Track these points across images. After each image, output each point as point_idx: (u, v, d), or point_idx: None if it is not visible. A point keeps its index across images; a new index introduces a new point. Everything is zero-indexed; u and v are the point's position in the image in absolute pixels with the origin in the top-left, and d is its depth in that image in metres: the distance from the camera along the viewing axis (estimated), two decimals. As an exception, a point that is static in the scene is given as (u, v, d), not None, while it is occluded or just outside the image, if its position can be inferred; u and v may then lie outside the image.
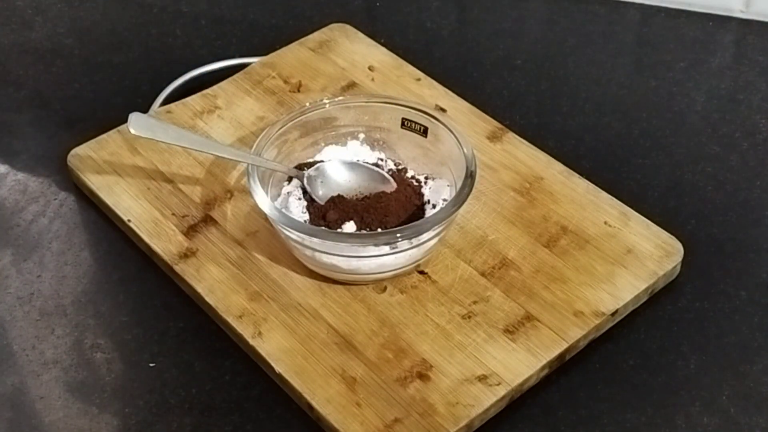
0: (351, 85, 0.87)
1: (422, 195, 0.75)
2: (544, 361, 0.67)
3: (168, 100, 0.88)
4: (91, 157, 0.82)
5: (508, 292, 0.71)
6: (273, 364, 0.67)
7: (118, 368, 0.70)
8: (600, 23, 0.98)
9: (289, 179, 0.77)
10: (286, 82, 0.88)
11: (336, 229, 0.72)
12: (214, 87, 0.88)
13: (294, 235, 0.69)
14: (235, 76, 0.89)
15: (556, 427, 0.66)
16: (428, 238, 0.70)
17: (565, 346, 0.68)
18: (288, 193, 0.76)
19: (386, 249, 0.69)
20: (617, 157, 0.84)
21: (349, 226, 0.72)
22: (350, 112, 0.78)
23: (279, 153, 0.76)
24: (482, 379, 0.66)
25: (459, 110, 0.85)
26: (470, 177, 0.71)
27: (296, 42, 0.92)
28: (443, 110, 0.84)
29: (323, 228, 0.71)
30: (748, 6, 0.96)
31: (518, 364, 0.67)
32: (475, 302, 0.70)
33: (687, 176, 0.82)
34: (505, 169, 0.80)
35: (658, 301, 0.73)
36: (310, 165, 0.77)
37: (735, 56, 0.95)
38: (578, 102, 0.89)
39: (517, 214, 0.76)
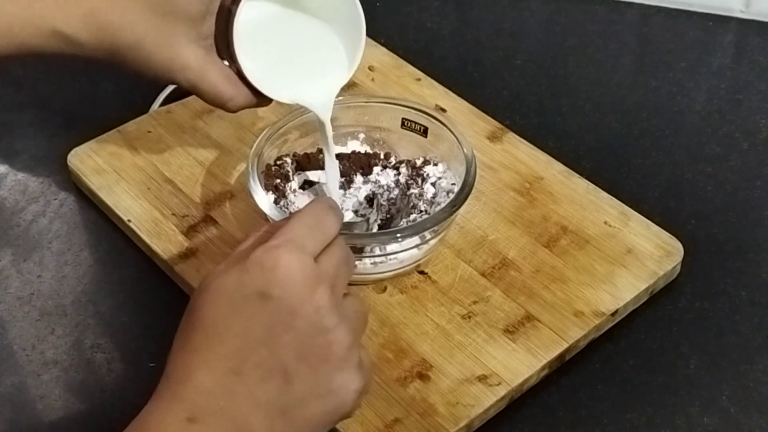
0: (351, 85, 0.87)
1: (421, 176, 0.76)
2: (544, 361, 0.67)
3: (168, 100, 0.88)
4: (91, 157, 0.82)
5: (508, 292, 0.71)
6: (273, 364, 0.67)
7: (118, 368, 0.70)
8: (600, 23, 0.98)
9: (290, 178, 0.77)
10: (286, 82, 0.88)
11: None
12: (214, 87, 0.88)
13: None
14: (235, 76, 0.89)
15: (556, 427, 0.66)
16: (428, 238, 0.70)
17: (565, 346, 0.68)
18: (294, 190, 0.76)
19: (386, 249, 0.69)
20: (617, 157, 0.84)
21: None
22: (350, 112, 0.78)
23: (279, 153, 0.76)
24: (482, 379, 0.66)
25: (459, 110, 0.85)
26: (470, 177, 0.71)
27: (296, 42, 0.92)
28: (443, 110, 0.84)
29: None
30: (748, 6, 0.96)
31: (518, 364, 0.67)
32: (475, 302, 0.70)
33: (687, 176, 0.82)
34: (505, 169, 0.80)
35: (658, 301, 0.73)
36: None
37: (735, 56, 0.95)
38: (578, 102, 0.89)
39: (517, 214, 0.76)
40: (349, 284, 0.71)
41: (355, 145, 0.79)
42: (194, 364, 0.54)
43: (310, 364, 0.54)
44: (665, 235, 0.75)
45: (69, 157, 0.82)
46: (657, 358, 0.70)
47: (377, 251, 0.69)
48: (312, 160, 0.77)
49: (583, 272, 0.72)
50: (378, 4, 1.00)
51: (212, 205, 0.78)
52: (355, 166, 0.77)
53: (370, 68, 0.89)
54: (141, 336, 0.72)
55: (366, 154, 0.78)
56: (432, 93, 0.86)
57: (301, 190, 0.76)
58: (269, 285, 0.54)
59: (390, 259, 0.70)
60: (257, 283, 0.54)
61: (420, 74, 0.88)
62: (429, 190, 0.75)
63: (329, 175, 0.73)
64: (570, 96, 0.90)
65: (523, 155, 0.81)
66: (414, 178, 0.76)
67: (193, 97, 0.87)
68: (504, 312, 0.70)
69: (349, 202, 0.75)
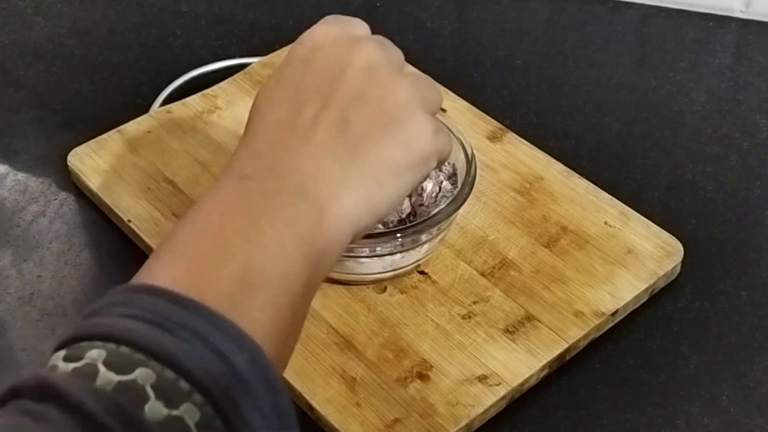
0: (351, 85, 0.87)
1: None
2: (544, 361, 0.67)
3: (168, 100, 0.88)
4: (91, 157, 0.82)
5: (508, 292, 0.71)
6: (273, 364, 0.67)
7: (118, 368, 0.70)
8: (600, 23, 0.98)
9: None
10: (286, 82, 0.88)
11: None
12: (214, 87, 0.88)
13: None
14: (235, 76, 0.89)
15: (556, 427, 0.66)
16: (428, 239, 0.70)
17: (565, 346, 0.68)
18: None
19: (386, 249, 0.69)
20: (617, 157, 0.84)
21: None
22: (350, 112, 0.78)
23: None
24: (482, 379, 0.66)
25: (459, 110, 0.85)
26: (470, 177, 0.71)
27: (296, 42, 0.92)
28: (443, 110, 0.84)
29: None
30: (748, 6, 0.96)
31: (518, 364, 0.67)
32: (475, 302, 0.70)
33: (687, 176, 0.82)
34: (505, 169, 0.80)
35: (658, 301, 0.73)
36: None
37: (735, 56, 0.95)
38: (578, 102, 0.89)
39: (517, 214, 0.76)
40: (349, 284, 0.71)
41: None
42: (249, 135, 0.51)
43: (367, 104, 0.51)
44: (665, 235, 0.75)
45: (69, 157, 0.82)
46: (657, 358, 0.70)
47: (377, 251, 0.69)
48: None
49: (583, 272, 0.72)
50: (378, 4, 1.00)
51: (212, 205, 0.78)
52: None
53: (370, 68, 0.89)
54: (141, 336, 0.72)
55: None
56: (432, 93, 0.86)
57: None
58: (310, 49, 0.53)
59: (390, 259, 0.70)
60: (298, 54, 0.53)
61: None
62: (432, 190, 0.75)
63: None
64: (570, 96, 0.90)
65: (523, 155, 0.81)
66: None
67: (193, 97, 0.87)
68: (504, 312, 0.70)
69: None
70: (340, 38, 0.54)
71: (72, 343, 0.41)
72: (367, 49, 0.53)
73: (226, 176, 0.50)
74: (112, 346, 0.39)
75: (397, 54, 0.57)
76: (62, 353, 0.40)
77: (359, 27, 0.57)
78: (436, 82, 0.58)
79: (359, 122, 0.51)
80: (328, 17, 0.57)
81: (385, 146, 0.51)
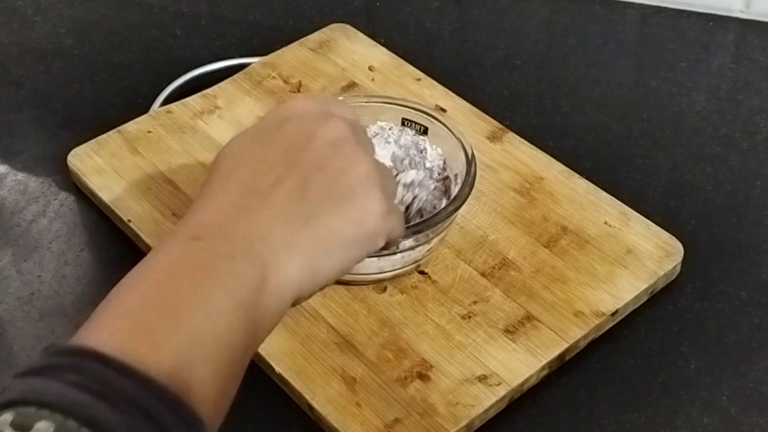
0: (351, 85, 0.87)
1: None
2: (544, 361, 0.67)
3: (168, 100, 0.88)
4: (91, 157, 0.82)
5: (508, 292, 0.71)
6: (273, 364, 0.67)
7: (118, 368, 0.70)
8: (600, 23, 0.98)
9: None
10: (286, 82, 0.88)
11: None
12: (214, 87, 0.88)
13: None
14: (235, 76, 0.89)
15: (556, 427, 0.66)
16: (428, 239, 0.70)
17: (565, 346, 0.68)
18: None
19: (386, 249, 0.69)
20: (617, 157, 0.84)
21: None
22: (350, 112, 0.78)
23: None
24: (482, 379, 0.66)
25: (459, 110, 0.85)
26: (470, 177, 0.71)
27: (296, 42, 0.92)
28: (443, 110, 0.84)
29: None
30: (748, 6, 0.96)
31: (518, 364, 0.67)
32: (475, 302, 0.70)
33: (687, 176, 0.82)
34: (505, 169, 0.80)
35: (658, 301, 0.73)
36: None
37: (735, 56, 0.95)
38: (578, 102, 0.89)
39: (517, 214, 0.76)
40: (349, 284, 0.71)
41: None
42: (210, 190, 0.53)
43: (328, 175, 0.53)
44: (665, 235, 0.75)
45: (69, 157, 0.82)
46: (657, 358, 0.70)
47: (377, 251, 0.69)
48: None
49: (583, 272, 0.72)
50: (378, 4, 1.00)
51: (212, 205, 0.78)
52: None
53: (370, 68, 0.89)
54: (141, 336, 0.72)
55: None
56: (432, 93, 0.86)
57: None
58: (285, 115, 0.55)
59: (390, 259, 0.70)
60: (273, 119, 0.55)
61: (420, 74, 0.88)
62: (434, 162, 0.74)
63: None
64: (570, 96, 0.90)
65: (523, 155, 0.81)
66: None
67: (193, 97, 0.87)
68: (504, 312, 0.70)
69: None
70: (315, 111, 0.56)
71: (19, 405, 0.42)
72: (337, 124, 0.55)
73: (179, 233, 0.51)
74: (59, 418, 0.41)
75: (368, 140, 0.59)
76: (9, 418, 0.41)
77: (344, 109, 0.59)
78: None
79: (317, 191, 0.52)
80: (317, 94, 0.60)
81: (337, 218, 0.53)
